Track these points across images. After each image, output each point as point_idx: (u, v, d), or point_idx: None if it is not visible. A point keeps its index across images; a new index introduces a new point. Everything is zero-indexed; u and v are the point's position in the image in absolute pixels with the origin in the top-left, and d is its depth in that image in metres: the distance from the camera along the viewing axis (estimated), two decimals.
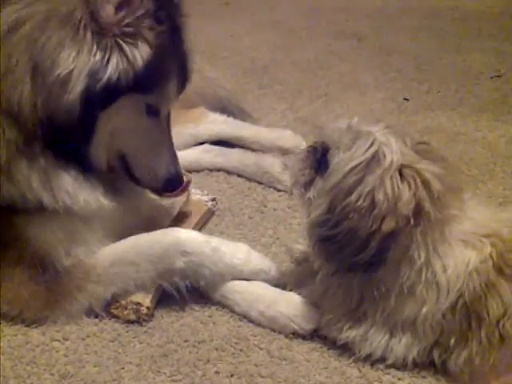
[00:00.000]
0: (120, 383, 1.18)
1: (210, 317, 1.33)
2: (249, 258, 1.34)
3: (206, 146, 1.93)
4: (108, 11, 1.11)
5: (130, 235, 1.31)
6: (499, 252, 1.13)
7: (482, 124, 2.18)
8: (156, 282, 1.28)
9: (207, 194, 1.45)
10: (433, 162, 1.15)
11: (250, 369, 1.21)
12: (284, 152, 1.94)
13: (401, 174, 1.10)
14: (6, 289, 1.24)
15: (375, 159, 1.11)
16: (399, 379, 1.19)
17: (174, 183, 1.34)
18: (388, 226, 1.07)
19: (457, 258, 1.13)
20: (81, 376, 1.19)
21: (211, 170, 1.88)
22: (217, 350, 1.25)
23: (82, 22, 1.11)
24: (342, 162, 1.13)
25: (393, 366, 1.20)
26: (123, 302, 1.28)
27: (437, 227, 1.12)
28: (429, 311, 1.14)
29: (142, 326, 1.30)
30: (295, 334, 1.28)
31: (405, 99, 2.40)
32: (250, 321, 1.32)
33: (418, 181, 1.09)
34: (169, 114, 1.33)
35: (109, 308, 1.29)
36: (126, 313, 1.28)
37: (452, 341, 1.15)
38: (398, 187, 1.08)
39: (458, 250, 1.14)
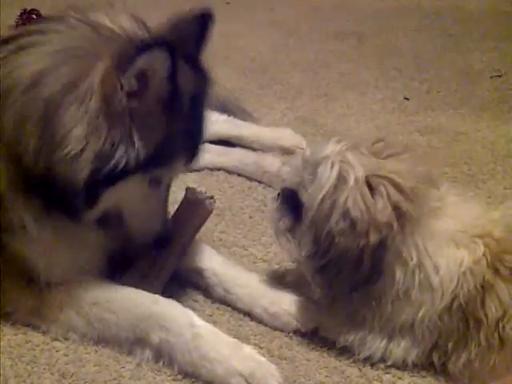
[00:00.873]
0: (120, 383, 1.18)
1: (210, 316, 1.33)
2: (229, 357, 1.16)
3: (207, 145, 1.92)
4: (121, 98, 1.08)
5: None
6: (494, 252, 1.13)
7: (482, 124, 2.18)
8: (132, 346, 1.22)
9: (205, 193, 1.43)
10: (395, 156, 1.16)
11: None
12: (284, 151, 1.94)
13: (369, 186, 1.11)
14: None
15: (341, 180, 1.13)
16: (399, 378, 1.19)
17: (164, 237, 1.31)
18: (373, 237, 1.09)
19: (448, 258, 1.13)
20: (81, 375, 1.19)
21: (211, 170, 1.88)
22: None
23: (97, 105, 1.09)
24: (312, 195, 1.16)
25: (393, 365, 1.20)
26: None
27: (422, 224, 1.13)
28: (425, 314, 1.14)
29: None
30: (295, 333, 1.28)
31: (405, 99, 2.40)
32: (252, 318, 1.32)
33: (388, 185, 1.11)
34: (171, 180, 1.31)
35: None
36: None
37: (450, 344, 1.14)
38: (370, 199, 1.10)
39: (449, 249, 1.14)
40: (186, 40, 1.21)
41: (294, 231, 1.22)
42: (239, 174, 1.87)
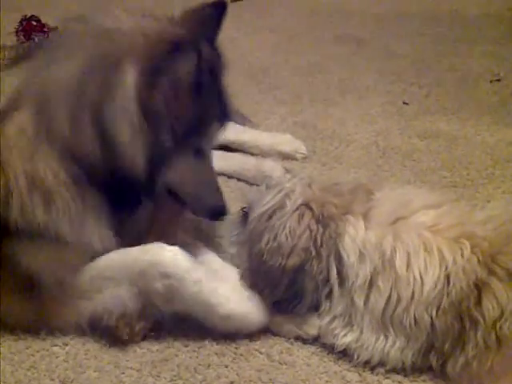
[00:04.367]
0: None
1: None
2: (230, 298, 1.25)
3: None
4: (158, 102, 1.17)
5: None
6: (486, 252, 1.14)
7: (481, 128, 2.19)
8: (138, 301, 1.24)
9: None
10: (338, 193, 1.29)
11: (251, 373, 1.21)
12: (284, 156, 1.95)
13: (298, 214, 1.25)
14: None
15: (281, 205, 1.28)
16: (399, 383, 1.19)
17: (218, 213, 1.35)
18: (292, 260, 1.22)
19: (404, 246, 1.18)
20: (81, 381, 1.19)
21: None
22: (217, 354, 1.25)
23: (137, 111, 1.16)
24: (255, 212, 1.31)
25: (393, 370, 1.20)
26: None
27: (347, 224, 1.24)
28: (408, 307, 1.16)
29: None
30: (296, 339, 1.28)
31: (404, 103, 2.40)
32: None
33: (308, 215, 1.25)
34: (211, 151, 1.37)
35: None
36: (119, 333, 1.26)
37: (447, 345, 1.15)
38: (296, 225, 1.24)
39: (409, 240, 1.19)
40: (206, 24, 1.31)
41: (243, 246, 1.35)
42: (239, 179, 1.87)
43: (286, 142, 2.01)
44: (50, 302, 1.25)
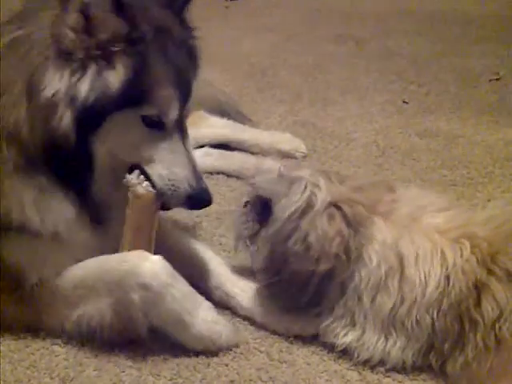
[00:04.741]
0: None
1: None
2: (203, 320, 1.21)
3: (207, 149, 1.93)
4: (69, 35, 1.12)
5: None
6: (486, 252, 1.14)
7: (481, 127, 2.19)
8: (116, 312, 1.20)
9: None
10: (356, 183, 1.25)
11: (251, 372, 1.21)
12: (283, 155, 1.95)
13: (327, 214, 1.19)
14: None
15: (308, 203, 1.20)
16: (399, 382, 1.19)
17: (198, 200, 1.25)
18: (323, 266, 1.17)
19: (418, 250, 1.17)
20: (81, 379, 1.19)
21: (211, 173, 1.88)
22: (217, 353, 1.25)
23: (52, 47, 1.14)
24: (282, 208, 1.22)
25: (393, 369, 1.20)
26: None
27: (375, 227, 1.20)
28: (410, 308, 1.15)
29: None
30: (296, 337, 1.28)
31: (404, 102, 2.40)
32: (251, 323, 1.32)
33: (338, 217, 1.18)
34: (181, 126, 1.24)
35: None
36: None
37: (447, 345, 1.15)
38: (326, 227, 1.18)
39: (420, 242, 1.17)
40: None
41: (255, 239, 1.28)
42: (238, 178, 1.87)
43: (285, 140, 2.01)
44: (36, 304, 1.25)
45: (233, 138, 1.99)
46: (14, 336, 1.28)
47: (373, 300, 1.18)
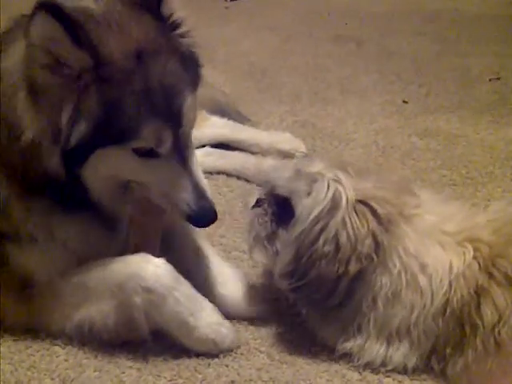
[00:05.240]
0: None
1: None
2: (207, 322, 1.21)
3: (207, 149, 1.93)
4: (40, 74, 1.08)
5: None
6: (487, 257, 1.13)
7: (480, 126, 2.19)
8: (118, 313, 1.20)
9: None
10: (376, 177, 1.19)
11: (251, 373, 1.21)
12: (283, 155, 1.95)
13: (356, 212, 1.13)
14: None
15: (334, 202, 1.13)
16: (399, 382, 1.18)
17: (198, 220, 1.21)
18: (354, 267, 1.12)
19: (436, 260, 1.14)
20: (81, 380, 1.19)
21: (211, 173, 1.88)
22: (217, 353, 1.24)
23: (26, 85, 1.11)
24: (306, 208, 1.15)
25: (393, 369, 1.19)
26: None
27: (402, 228, 1.15)
28: (419, 316, 1.14)
29: None
30: (297, 337, 1.27)
31: (404, 102, 2.40)
32: (252, 323, 1.32)
33: (369, 215, 1.13)
34: (179, 147, 1.17)
35: None
36: None
37: (448, 349, 1.14)
38: (356, 226, 1.12)
39: (435, 251, 1.15)
40: None
41: (274, 240, 1.21)
42: (238, 178, 1.87)
43: (285, 140, 2.01)
44: (40, 305, 1.25)
45: (233, 138, 1.99)
46: (14, 337, 1.28)
47: (385, 308, 1.15)
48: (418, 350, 1.17)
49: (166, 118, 1.13)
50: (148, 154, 1.14)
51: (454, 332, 1.14)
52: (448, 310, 1.13)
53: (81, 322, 1.23)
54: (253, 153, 1.96)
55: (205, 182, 1.22)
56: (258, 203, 1.25)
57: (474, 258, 1.14)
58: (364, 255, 1.12)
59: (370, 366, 1.20)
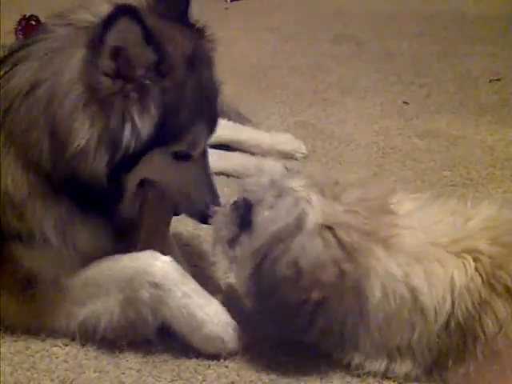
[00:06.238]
0: None
1: None
2: (215, 319, 1.21)
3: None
4: (105, 83, 1.09)
5: None
6: (489, 268, 1.12)
7: (481, 127, 2.19)
8: (124, 309, 1.20)
9: None
10: (351, 202, 1.13)
11: (251, 374, 1.20)
12: (284, 156, 1.95)
13: (320, 237, 1.08)
14: None
15: (299, 222, 1.09)
16: None
17: (209, 219, 1.26)
18: (316, 295, 1.09)
19: (435, 277, 1.12)
20: (81, 381, 1.19)
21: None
22: (224, 354, 1.23)
23: (84, 95, 1.11)
24: (266, 221, 1.12)
25: None
26: None
27: (375, 256, 1.11)
28: (422, 335, 1.13)
29: None
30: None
31: (404, 103, 2.40)
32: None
33: (333, 242, 1.08)
34: (204, 151, 1.28)
35: None
36: None
37: (450, 360, 1.13)
38: (320, 253, 1.08)
39: (434, 268, 1.12)
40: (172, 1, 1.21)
41: (235, 245, 1.19)
42: (239, 178, 1.87)
43: (285, 141, 2.01)
44: (44, 303, 1.25)
45: (233, 139, 1.99)
46: (13, 338, 1.27)
47: (380, 330, 1.14)
48: (420, 365, 1.15)
49: (207, 123, 1.21)
50: (183, 156, 1.20)
51: (457, 344, 1.13)
52: (452, 324, 1.12)
53: (86, 319, 1.23)
54: (253, 154, 1.96)
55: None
56: (234, 204, 1.22)
57: (476, 269, 1.12)
58: (326, 284, 1.08)
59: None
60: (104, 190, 1.16)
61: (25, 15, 2.65)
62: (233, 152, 1.97)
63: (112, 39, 1.06)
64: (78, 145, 1.11)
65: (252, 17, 3.57)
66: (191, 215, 1.32)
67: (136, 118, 1.11)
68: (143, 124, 1.11)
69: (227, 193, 1.80)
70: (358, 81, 2.62)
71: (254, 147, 1.98)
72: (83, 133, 1.11)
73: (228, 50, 2.99)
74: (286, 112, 2.32)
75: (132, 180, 1.20)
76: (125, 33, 1.05)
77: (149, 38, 1.07)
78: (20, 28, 2.61)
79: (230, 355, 1.23)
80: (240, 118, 2.13)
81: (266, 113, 2.30)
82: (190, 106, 1.16)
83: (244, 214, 1.17)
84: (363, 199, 1.15)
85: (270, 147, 1.98)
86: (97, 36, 1.07)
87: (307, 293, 1.09)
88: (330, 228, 1.09)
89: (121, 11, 1.04)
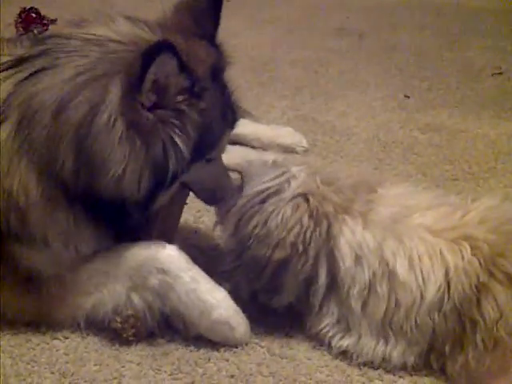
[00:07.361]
0: (120, 382, 1.18)
1: None
2: (223, 303, 1.22)
3: None
4: (147, 116, 1.11)
5: None
6: (487, 255, 1.13)
7: (483, 121, 2.18)
8: (130, 295, 1.22)
9: None
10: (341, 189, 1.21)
11: (251, 367, 1.21)
12: (284, 149, 1.94)
13: (294, 203, 1.18)
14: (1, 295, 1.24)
15: (279, 189, 1.20)
16: (400, 377, 1.18)
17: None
18: (278, 254, 1.16)
19: (415, 254, 1.15)
20: (81, 374, 1.19)
21: None
22: (218, 348, 1.24)
23: (125, 129, 1.11)
24: (250, 187, 1.23)
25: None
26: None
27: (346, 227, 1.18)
28: (409, 312, 1.14)
29: None
30: (297, 333, 1.27)
31: (406, 97, 2.39)
32: (251, 318, 1.31)
33: (304, 208, 1.17)
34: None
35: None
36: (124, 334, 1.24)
37: (447, 347, 1.14)
38: (288, 216, 1.17)
39: (415, 247, 1.15)
40: (200, 18, 1.26)
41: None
42: (239, 172, 1.87)
43: (286, 135, 2.00)
44: (48, 296, 1.25)
45: (233, 132, 1.98)
46: (14, 331, 1.28)
47: (364, 305, 1.17)
48: (415, 347, 1.16)
49: (231, 127, 1.29)
50: (209, 160, 1.25)
51: (453, 329, 1.13)
52: (448, 306, 1.13)
53: (93, 309, 1.23)
54: (254, 147, 1.95)
55: None
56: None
57: (474, 255, 1.13)
58: (289, 244, 1.16)
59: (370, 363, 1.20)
60: (130, 205, 1.17)
61: (25, 8, 2.65)
62: (233, 146, 1.96)
63: (151, 74, 1.08)
64: (114, 174, 1.12)
65: (253, 10, 3.56)
66: (210, 202, 1.37)
67: (179, 143, 1.14)
68: (185, 147, 1.14)
69: None
70: (360, 74, 2.62)
71: (255, 141, 1.97)
72: (120, 164, 1.11)
73: (229, 43, 2.98)
74: (287, 105, 2.32)
75: (168, 194, 1.23)
76: (163, 67, 1.07)
77: (183, 66, 1.10)
78: (20, 20, 2.60)
79: (239, 343, 1.24)
80: (241, 112, 2.12)
81: (267, 106, 2.30)
82: (220, 118, 1.23)
83: (241, 184, 1.28)
84: (351, 180, 1.23)
85: (270, 141, 1.97)
86: (137, 73, 1.08)
87: (272, 251, 1.16)
88: (305, 196, 1.19)
89: (160, 48, 1.06)
